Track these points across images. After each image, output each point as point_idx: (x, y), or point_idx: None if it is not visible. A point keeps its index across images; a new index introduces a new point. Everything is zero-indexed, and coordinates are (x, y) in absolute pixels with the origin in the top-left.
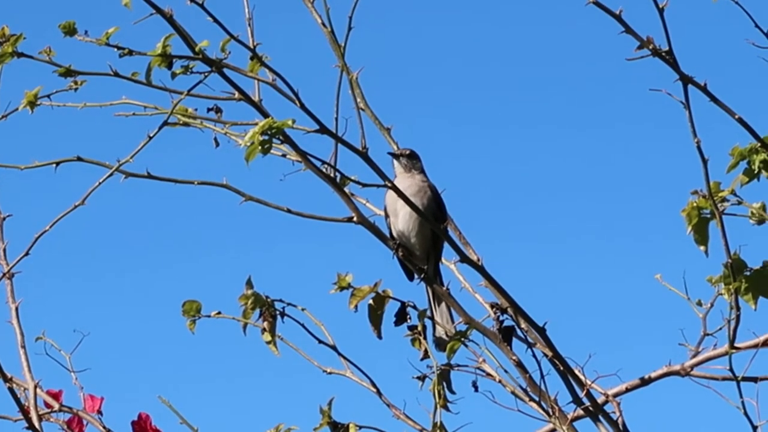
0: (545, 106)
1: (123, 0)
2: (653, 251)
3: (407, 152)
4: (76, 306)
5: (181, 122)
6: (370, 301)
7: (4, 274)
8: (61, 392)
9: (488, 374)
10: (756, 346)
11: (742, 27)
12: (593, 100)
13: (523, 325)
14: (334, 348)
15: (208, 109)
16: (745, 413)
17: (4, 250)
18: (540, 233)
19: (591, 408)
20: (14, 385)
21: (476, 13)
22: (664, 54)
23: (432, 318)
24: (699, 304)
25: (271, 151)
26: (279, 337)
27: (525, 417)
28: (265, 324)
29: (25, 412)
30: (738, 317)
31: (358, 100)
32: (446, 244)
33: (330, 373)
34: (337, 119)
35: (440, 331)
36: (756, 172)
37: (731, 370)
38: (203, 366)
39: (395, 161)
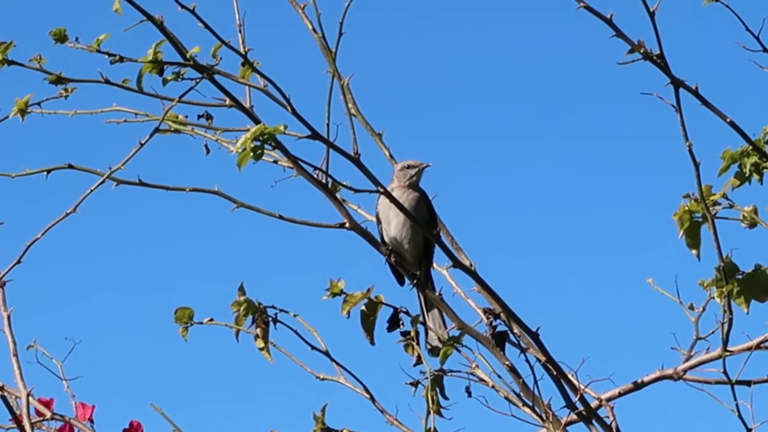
0: (536, 111)
1: (114, 6)
2: (645, 255)
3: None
4: (67, 314)
5: (172, 129)
6: (363, 307)
7: None
8: (52, 400)
9: (481, 379)
10: (749, 349)
11: (733, 30)
12: (584, 105)
13: (516, 330)
14: (327, 354)
15: (199, 116)
16: (740, 416)
17: None
18: (532, 238)
19: (584, 412)
20: (6, 393)
21: (467, 19)
22: (655, 58)
23: (424, 323)
24: (691, 308)
25: (263, 157)
26: (272, 344)
27: (518, 422)
28: (258, 330)
29: (17, 420)
30: (731, 321)
31: (350, 105)
32: (438, 250)
33: (323, 379)
34: (328, 125)
35: (432, 337)
36: (747, 175)
37: (725, 373)
38: (196, 373)
39: (407, 171)
